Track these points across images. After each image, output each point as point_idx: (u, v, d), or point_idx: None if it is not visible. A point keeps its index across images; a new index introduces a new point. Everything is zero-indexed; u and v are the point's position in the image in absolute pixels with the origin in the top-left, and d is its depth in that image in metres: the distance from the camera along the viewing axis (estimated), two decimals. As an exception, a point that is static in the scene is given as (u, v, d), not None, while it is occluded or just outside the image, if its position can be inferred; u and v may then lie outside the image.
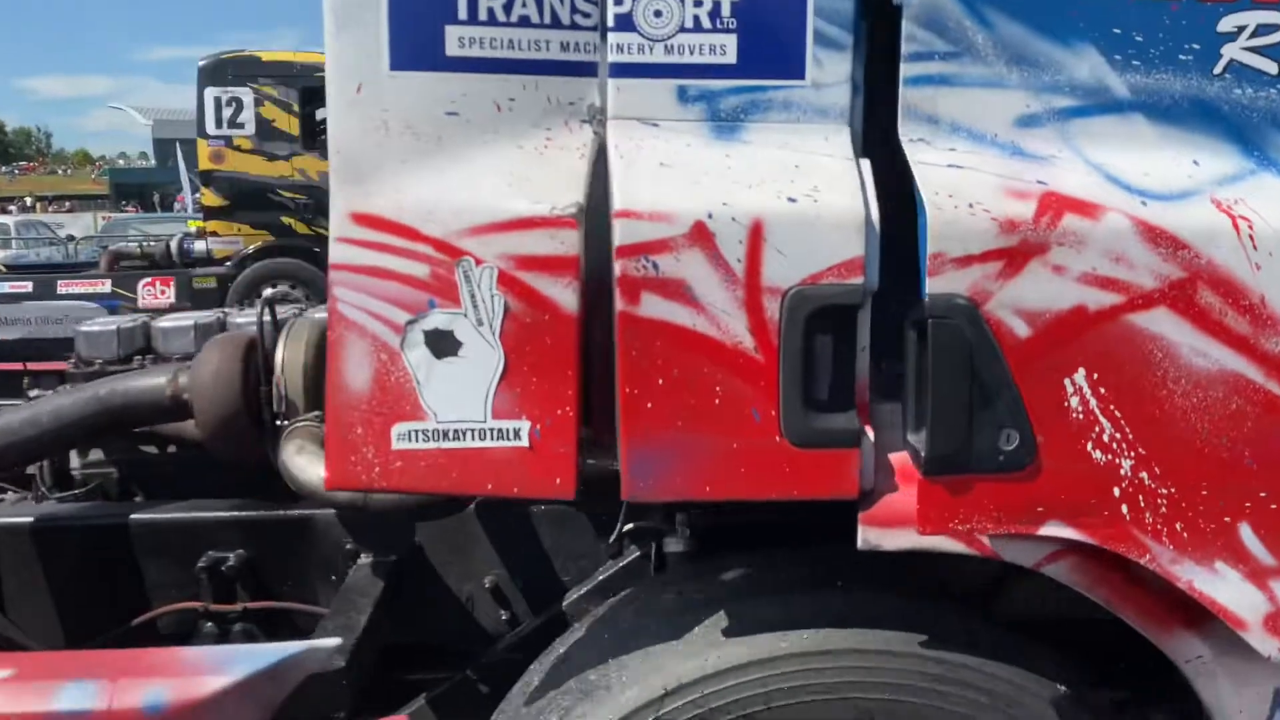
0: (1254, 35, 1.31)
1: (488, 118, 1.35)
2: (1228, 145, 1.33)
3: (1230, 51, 1.32)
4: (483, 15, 1.32)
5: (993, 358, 1.23)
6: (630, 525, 1.93)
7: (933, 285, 1.23)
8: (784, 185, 1.32)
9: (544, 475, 1.36)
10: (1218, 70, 1.32)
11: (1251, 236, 1.27)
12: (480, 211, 1.33)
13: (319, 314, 2.32)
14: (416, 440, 1.36)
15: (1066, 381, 1.25)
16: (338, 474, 1.38)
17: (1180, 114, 1.32)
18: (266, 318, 2.20)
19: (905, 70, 1.28)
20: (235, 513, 2.25)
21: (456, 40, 1.33)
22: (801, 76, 1.36)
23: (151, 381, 2.20)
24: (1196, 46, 1.31)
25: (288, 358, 2.07)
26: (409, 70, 1.33)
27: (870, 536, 1.36)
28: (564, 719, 1.51)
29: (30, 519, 2.26)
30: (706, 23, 1.34)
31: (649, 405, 1.32)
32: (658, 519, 1.88)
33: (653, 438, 1.33)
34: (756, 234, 1.29)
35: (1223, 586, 1.33)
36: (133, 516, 2.26)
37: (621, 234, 1.29)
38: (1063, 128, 1.29)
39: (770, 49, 1.35)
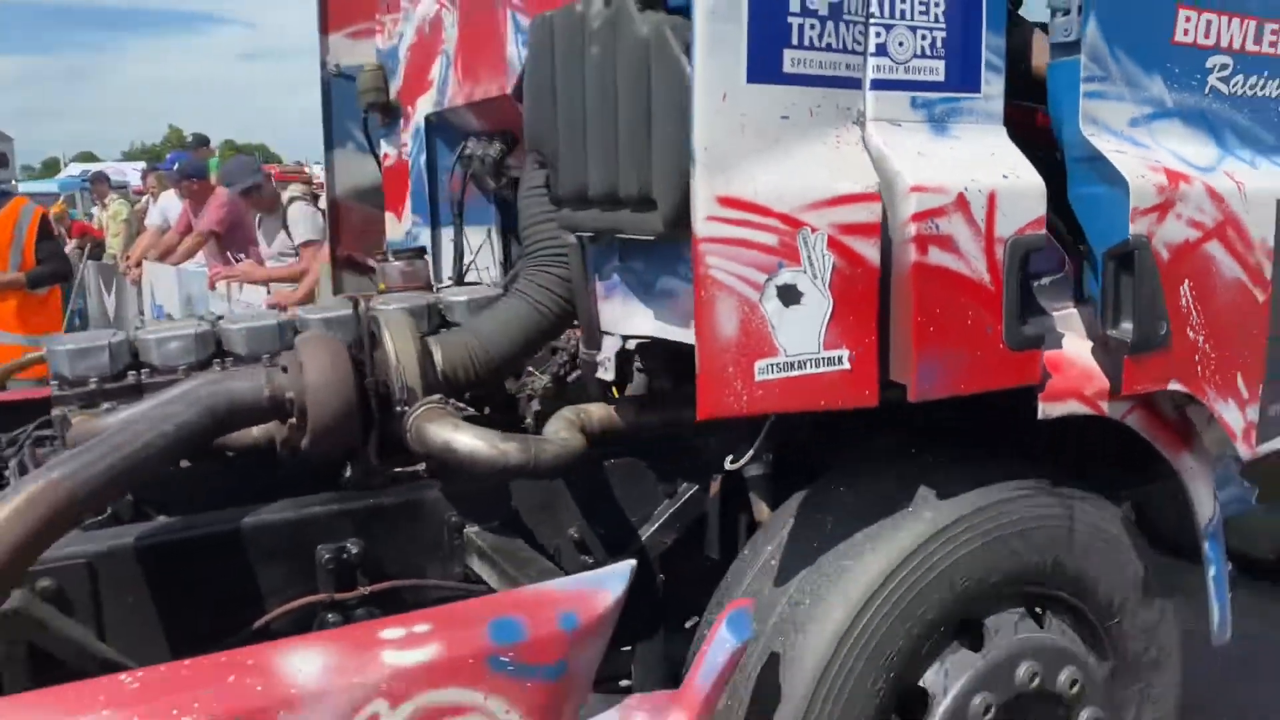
0: (1220, 70, 2.11)
1: (805, 121, 1.78)
2: (1215, 138, 2.14)
3: (1210, 80, 2.11)
4: (806, 41, 1.75)
5: (1156, 275, 1.93)
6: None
7: (1133, 228, 1.90)
8: (995, 167, 1.91)
9: (858, 390, 1.83)
10: (1206, 92, 2.11)
11: (1244, 195, 2.08)
12: (815, 191, 1.76)
13: (393, 306, 2.48)
14: (772, 372, 1.76)
15: (1180, 288, 1.99)
16: (712, 405, 1.74)
17: (1196, 118, 2.10)
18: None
19: (1084, 88, 1.93)
20: (348, 504, 2.29)
21: (790, 60, 1.74)
22: (978, 90, 1.95)
23: (248, 384, 2.19)
24: (1199, 76, 2.09)
25: (400, 349, 2.22)
26: (760, 83, 1.72)
27: (1047, 409, 2.00)
28: (814, 595, 1.97)
29: (132, 540, 2.17)
30: (928, 52, 1.88)
31: (931, 329, 1.84)
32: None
33: (933, 352, 1.85)
34: (992, 200, 1.87)
35: (1229, 412, 2.14)
36: (245, 520, 2.24)
37: (916, 203, 1.80)
38: (1149, 127, 2.02)
39: (963, 71, 1.92)
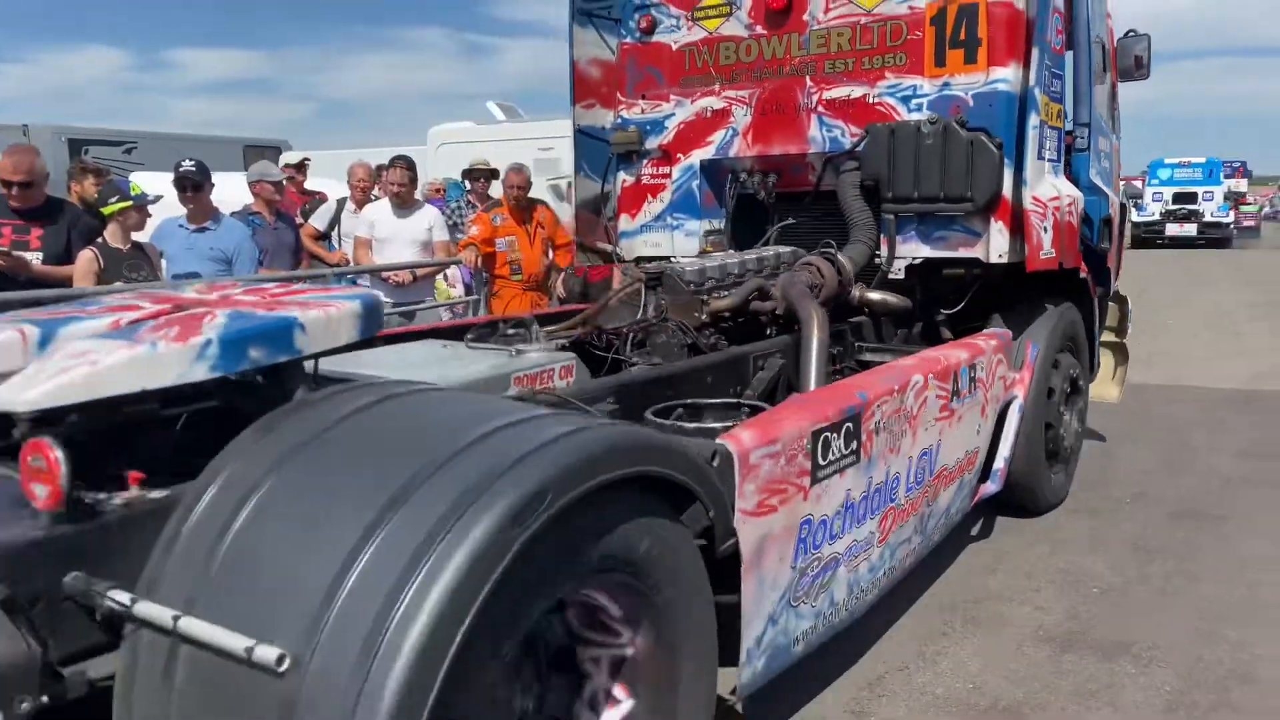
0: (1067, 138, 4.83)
1: (1048, 172, 4.68)
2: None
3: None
4: (1047, 153, 4.65)
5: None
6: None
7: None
8: (1068, 189, 4.51)
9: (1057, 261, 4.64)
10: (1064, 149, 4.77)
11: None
12: (1057, 193, 4.63)
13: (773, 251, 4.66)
14: (1047, 254, 4.52)
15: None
16: (1034, 265, 4.44)
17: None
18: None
19: (1091, 164, 4.86)
20: (841, 325, 4.43)
21: (1046, 153, 4.67)
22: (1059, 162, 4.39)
23: (809, 275, 4.25)
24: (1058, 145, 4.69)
25: (844, 263, 4.42)
26: (1039, 160, 4.50)
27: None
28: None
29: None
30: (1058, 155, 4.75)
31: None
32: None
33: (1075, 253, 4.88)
34: (1074, 202, 4.69)
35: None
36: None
37: (1075, 198, 4.84)
38: (1056, 167, 4.68)
39: (1058, 159, 4.70)
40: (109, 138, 19.09)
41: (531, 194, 7.14)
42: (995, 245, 4.33)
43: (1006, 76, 4.26)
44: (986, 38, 4.24)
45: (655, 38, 5.15)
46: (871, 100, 4.57)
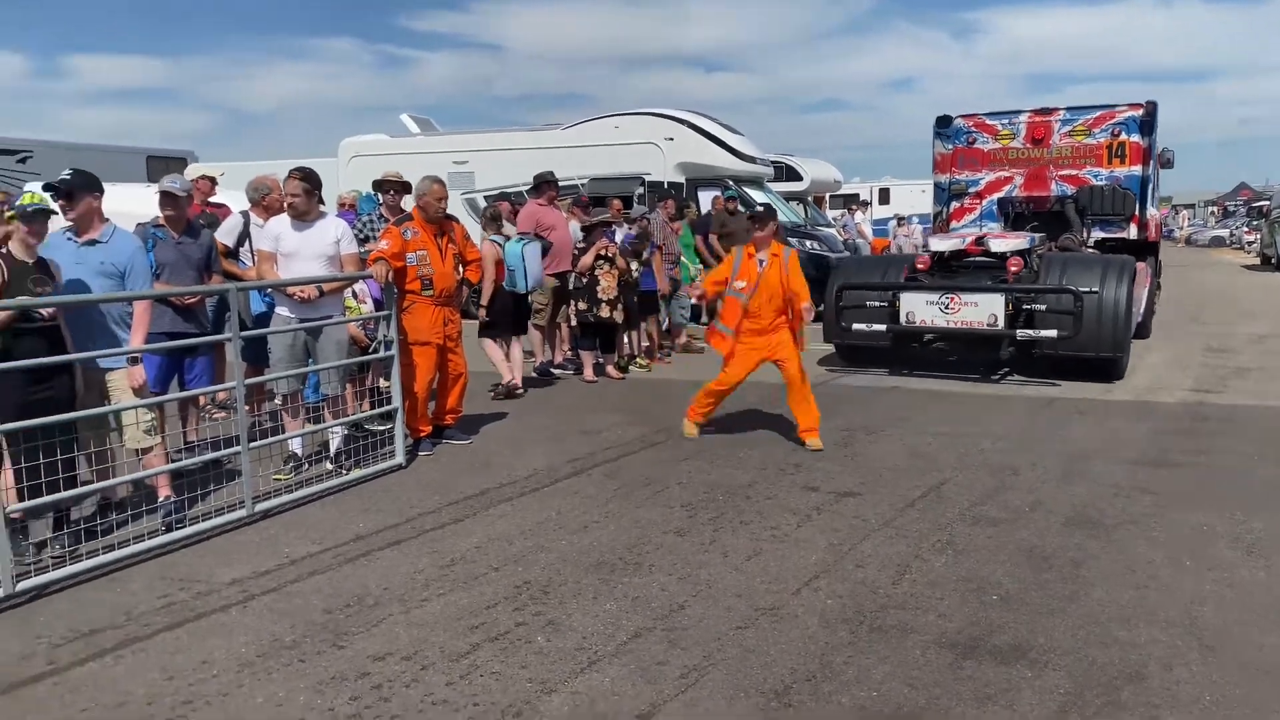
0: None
1: None
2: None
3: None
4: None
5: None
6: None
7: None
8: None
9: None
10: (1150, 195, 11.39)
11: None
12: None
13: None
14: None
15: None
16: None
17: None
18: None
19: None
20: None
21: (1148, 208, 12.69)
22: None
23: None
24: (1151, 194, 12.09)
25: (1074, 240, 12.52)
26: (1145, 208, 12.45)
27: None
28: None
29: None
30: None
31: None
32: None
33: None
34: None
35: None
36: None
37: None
38: (1151, 202, 12.52)
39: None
40: (2, 146, 18.33)
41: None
42: (1131, 233, 12.04)
43: (1137, 170, 12.01)
44: (1129, 154, 11.99)
45: (975, 145, 12.64)
46: (1081, 175, 12.27)
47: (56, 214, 5.20)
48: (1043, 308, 9.18)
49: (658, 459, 6.77)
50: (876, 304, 9.88)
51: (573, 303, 10.12)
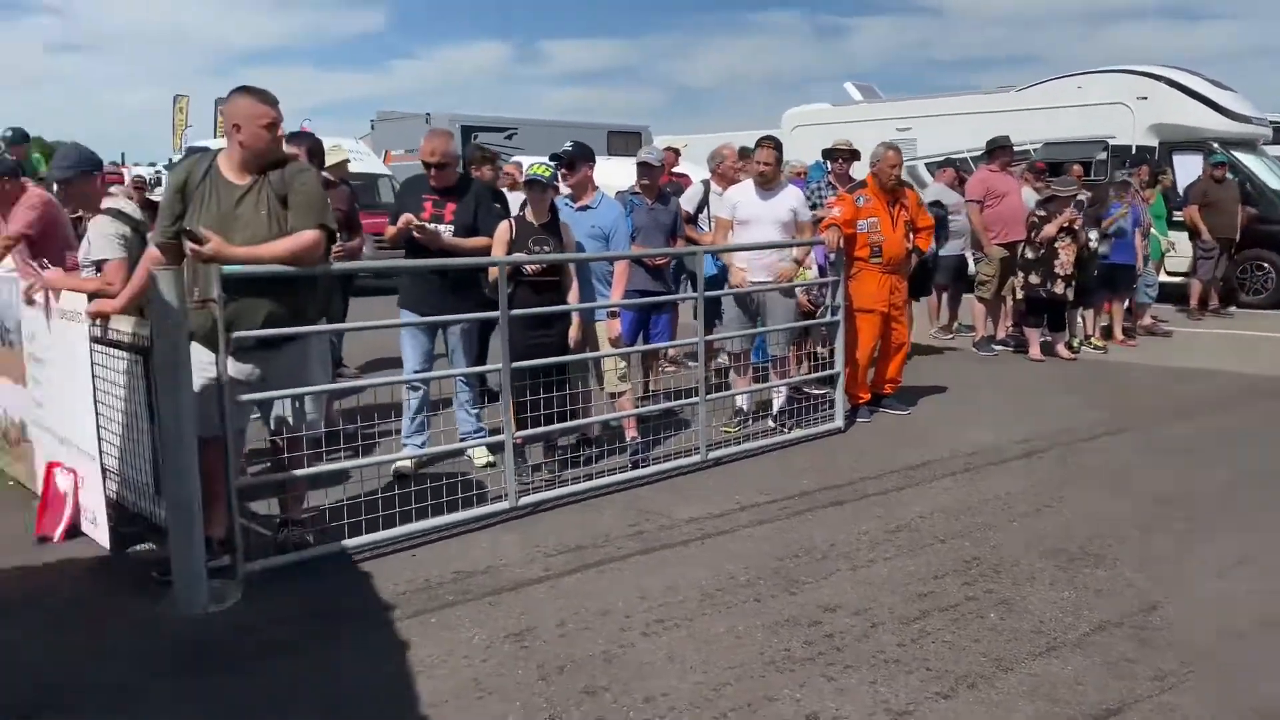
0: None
1: None
2: None
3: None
4: None
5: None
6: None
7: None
8: None
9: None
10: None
11: None
12: None
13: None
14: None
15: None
16: None
17: None
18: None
19: None
20: None
21: None
22: None
23: None
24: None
25: None
26: None
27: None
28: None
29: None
30: None
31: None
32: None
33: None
34: None
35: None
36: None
37: None
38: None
39: None
40: (494, 124, 21.18)
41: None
42: None
43: None
44: None
45: None
46: None
47: (551, 185, 5.86)
48: None
49: (1117, 448, 6.22)
50: None
51: (1020, 275, 9.55)
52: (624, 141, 21.32)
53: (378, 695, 3.18)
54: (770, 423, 6.77)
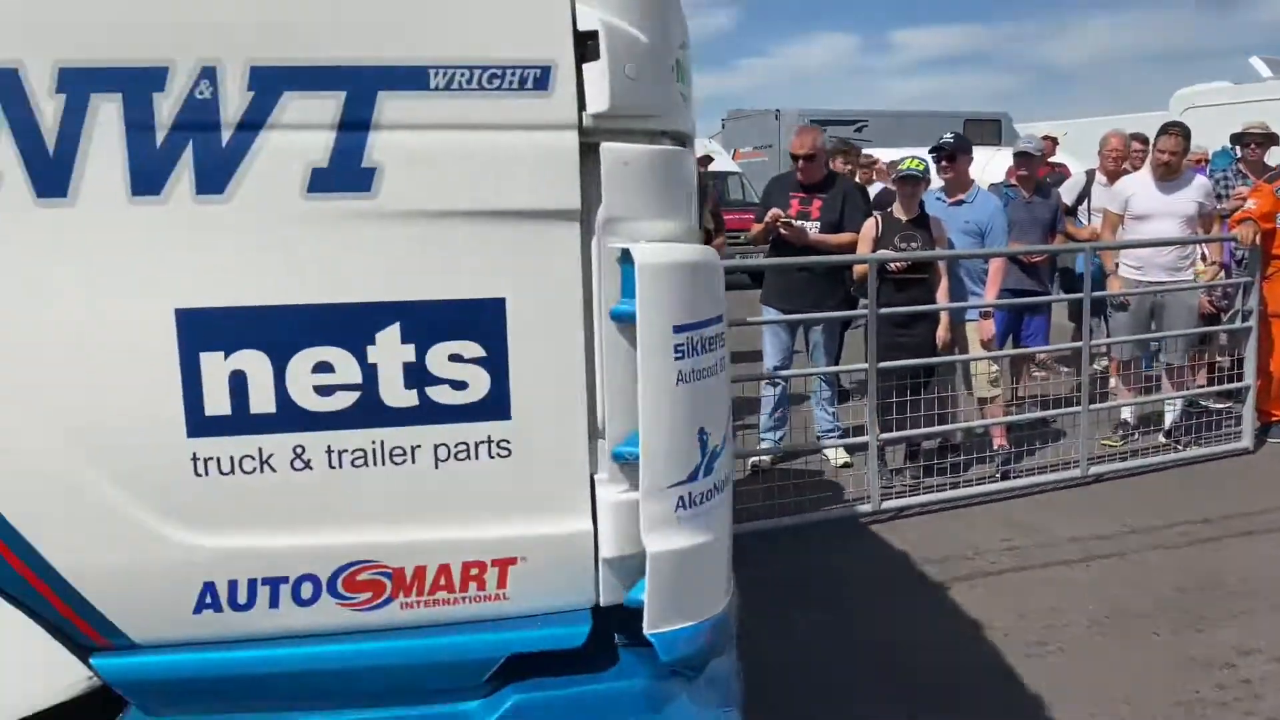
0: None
1: None
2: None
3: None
4: None
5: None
6: None
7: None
8: None
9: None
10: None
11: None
12: None
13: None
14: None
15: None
16: None
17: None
18: None
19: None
20: None
21: None
22: None
23: None
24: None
25: None
26: None
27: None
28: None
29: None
30: None
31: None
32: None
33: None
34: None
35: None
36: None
37: None
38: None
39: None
40: (843, 117, 20.92)
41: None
42: None
43: None
44: None
45: None
46: None
47: (924, 179, 5.65)
48: None
49: None
50: None
51: None
52: (980, 129, 20.25)
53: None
54: (1161, 438, 6.11)
